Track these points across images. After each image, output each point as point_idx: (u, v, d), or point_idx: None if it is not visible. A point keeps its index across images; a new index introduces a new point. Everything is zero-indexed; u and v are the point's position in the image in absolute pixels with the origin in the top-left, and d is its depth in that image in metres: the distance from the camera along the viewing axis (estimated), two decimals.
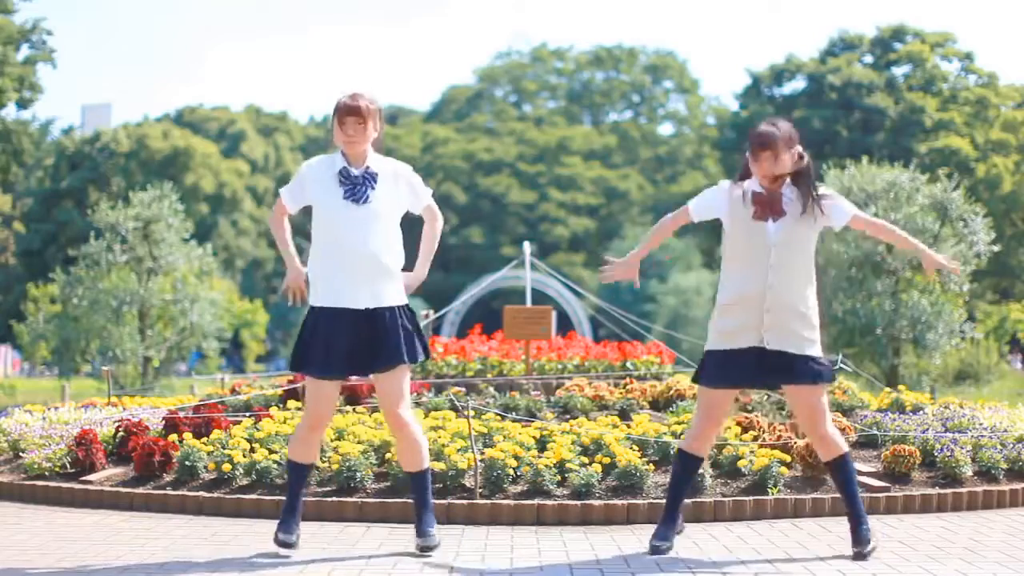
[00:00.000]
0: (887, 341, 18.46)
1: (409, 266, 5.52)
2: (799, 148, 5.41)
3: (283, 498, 6.45)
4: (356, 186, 5.38)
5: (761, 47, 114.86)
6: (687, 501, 6.43)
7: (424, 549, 5.35)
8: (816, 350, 5.35)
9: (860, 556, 5.29)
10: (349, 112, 5.41)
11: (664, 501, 5.67)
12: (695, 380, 5.57)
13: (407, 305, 5.45)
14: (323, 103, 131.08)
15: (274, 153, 65.22)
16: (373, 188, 5.39)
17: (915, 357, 19.08)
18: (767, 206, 5.36)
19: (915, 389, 15.93)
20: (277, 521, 5.47)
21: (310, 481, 5.60)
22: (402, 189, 5.49)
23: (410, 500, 6.33)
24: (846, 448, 5.45)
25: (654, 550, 5.37)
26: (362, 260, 5.31)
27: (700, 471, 6.64)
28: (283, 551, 5.34)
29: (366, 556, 5.32)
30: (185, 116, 63.78)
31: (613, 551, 5.50)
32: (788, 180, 5.41)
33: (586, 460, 6.82)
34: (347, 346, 5.29)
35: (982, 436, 7.54)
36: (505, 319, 10.05)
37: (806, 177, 5.42)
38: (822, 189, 5.45)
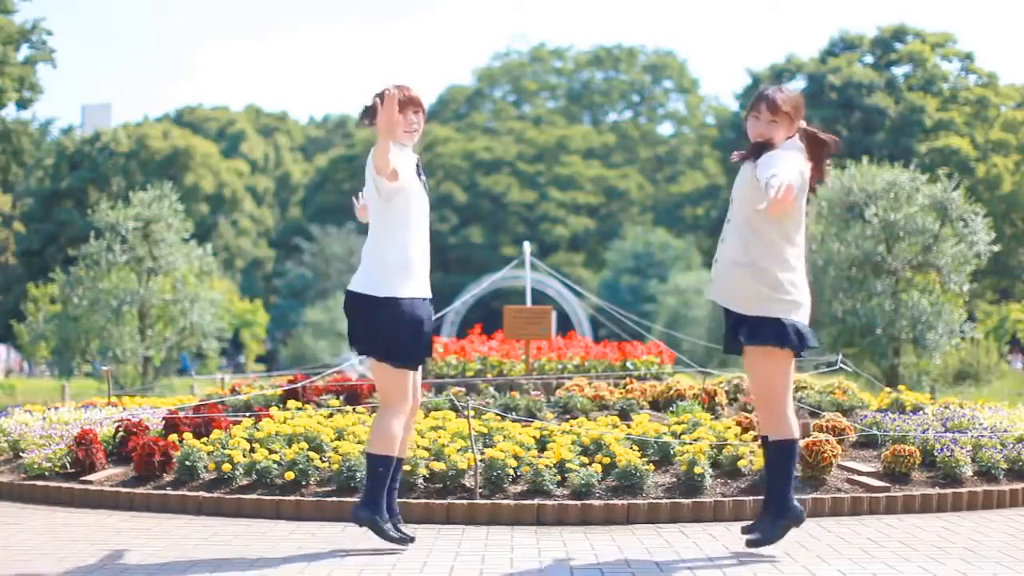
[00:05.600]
0: (887, 341, 18.44)
1: None
2: (801, 122, 5.36)
3: (284, 498, 6.48)
4: (424, 178, 5.51)
5: (761, 47, 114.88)
6: (687, 501, 6.44)
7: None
8: (759, 309, 5.22)
9: (753, 543, 5.30)
10: (413, 103, 5.42)
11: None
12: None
13: None
14: (323, 103, 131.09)
15: (274, 153, 65.27)
16: (425, 178, 5.55)
17: (915, 357, 19.05)
18: (747, 151, 5.30)
19: (915, 389, 15.92)
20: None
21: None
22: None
23: (408, 500, 6.34)
24: (790, 436, 5.29)
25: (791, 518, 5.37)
26: (428, 252, 5.50)
27: (701, 472, 6.64)
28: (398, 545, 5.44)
29: (366, 556, 5.32)
30: (185, 116, 63.81)
31: (613, 551, 5.51)
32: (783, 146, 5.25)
33: (586, 460, 6.82)
34: (429, 333, 5.44)
35: (982, 436, 7.54)
36: (505, 319, 10.04)
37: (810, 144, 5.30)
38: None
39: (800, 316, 5.29)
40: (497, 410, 7.89)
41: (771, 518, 5.35)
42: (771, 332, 5.23)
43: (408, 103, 5.38)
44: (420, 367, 5.55)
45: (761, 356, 5.28)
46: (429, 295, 5.49)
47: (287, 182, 65.64)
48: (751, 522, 5.55)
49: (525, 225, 57.70)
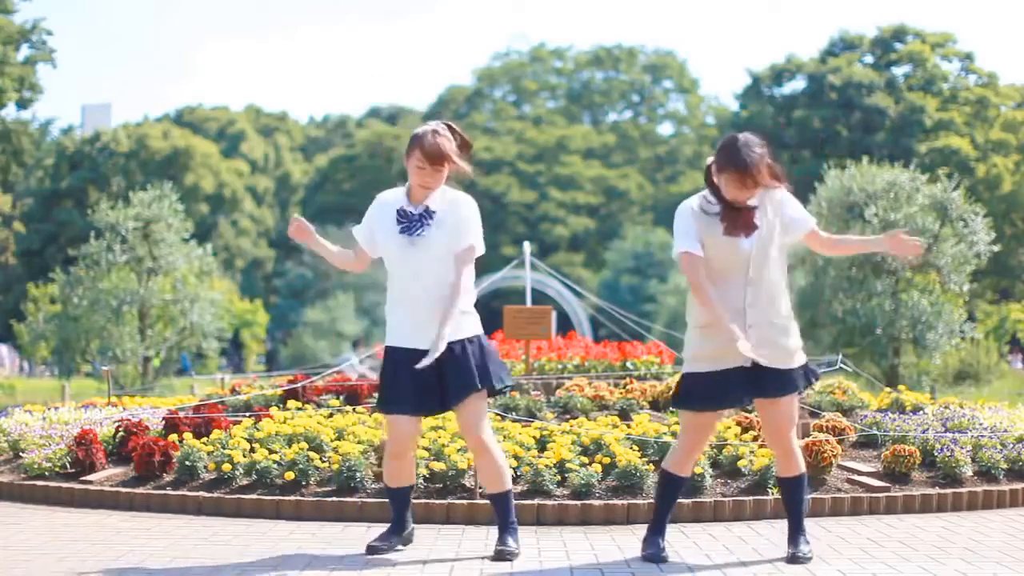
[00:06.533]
0: (887, 341, 18.45)
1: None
2: (776, 166, 5.23)
3: (284, 498, 6.48)
4: (411, 223, 5.31)
5: (761, 47, 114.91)
6: (687, 501, 6.43)
7: (498, 556, 5.29)
8: (801, 358, 5.23)
9: (795, 558, 5.21)
10: (432, 160, 5.23)
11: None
12: (678, 405, 5.35)
13: (479, 336, 5.34)
14: (323, 103, 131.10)
15: (274, 153, 65.22)
16: (429, 225, 5.31)
17: (915, 357, 19.06)
18: (738, 221, 5.17)
19: (915, 389, 15.92)
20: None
21: (411, 498, 5.67)
22: (455, 222, 5.37)
23: (413, 501, 6.34)
24: (804, 468, 5.33)
25: (646, 558, 5.28)
26: (419, 298, 5.26)
27: (697, 475, 6.63)
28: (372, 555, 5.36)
29: (366, 556, 5.32)
30: (185, 116, 63.79)
31: (613, 551, 5.50)
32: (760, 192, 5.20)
33: (586, 460, 6.81)
34: (419, 384, 5.21)
35: (982, 436, 7.54)
36: (505, 319, 10.04)
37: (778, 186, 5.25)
38: (779, 194, 5.22)
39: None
40: (497, 410, 7.89)
41: (802, 536, 5.31)
42: (804, 375, 5.26)
43: (430, 159, 5.22)
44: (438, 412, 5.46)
45: (790, 402, 5.22)
46: (418, 345, 5.22)
47: (287, 182, 65.60)
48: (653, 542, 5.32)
49: (525, 225, 57.72)
